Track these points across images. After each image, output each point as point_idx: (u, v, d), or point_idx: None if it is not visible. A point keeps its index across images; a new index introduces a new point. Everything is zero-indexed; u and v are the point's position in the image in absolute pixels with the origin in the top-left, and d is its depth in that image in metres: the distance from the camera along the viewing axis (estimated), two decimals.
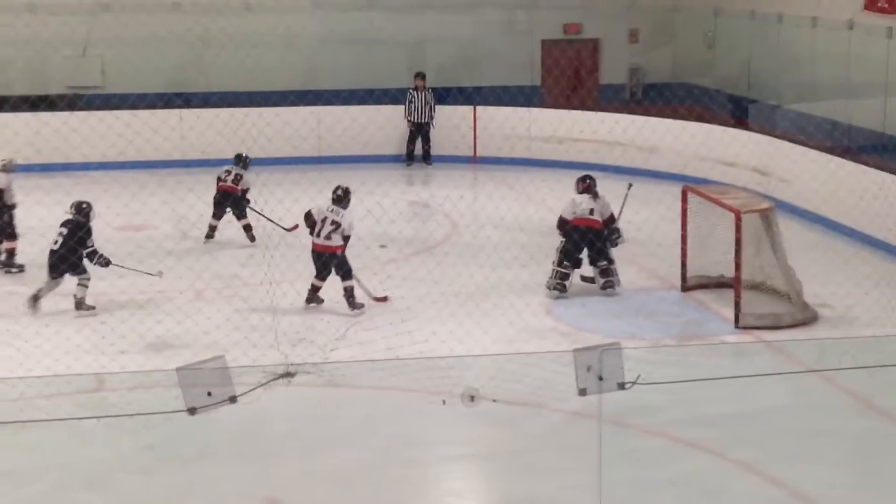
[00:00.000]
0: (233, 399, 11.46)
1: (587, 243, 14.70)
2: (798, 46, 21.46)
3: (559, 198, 18.08)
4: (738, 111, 23.02)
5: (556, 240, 14.96)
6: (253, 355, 12.34)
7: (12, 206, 15.91)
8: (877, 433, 11.14)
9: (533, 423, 11.27)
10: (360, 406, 11.56)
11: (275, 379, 11.43)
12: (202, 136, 21.95)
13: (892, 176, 17.15)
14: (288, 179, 17.94)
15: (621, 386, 8.42)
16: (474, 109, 23.41)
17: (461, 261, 16.07)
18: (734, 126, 21.65)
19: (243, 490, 9.90)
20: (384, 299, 14.35)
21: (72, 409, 11.09)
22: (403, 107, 22.98)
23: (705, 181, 19.52)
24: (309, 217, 14.18)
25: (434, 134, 23.09)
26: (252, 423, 10.78)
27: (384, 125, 22.62)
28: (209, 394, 11.29)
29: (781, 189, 19.27)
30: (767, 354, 12.82)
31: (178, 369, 8.55)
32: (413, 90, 23.00)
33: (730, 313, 13.97)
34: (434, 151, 23.13)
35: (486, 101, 23.52)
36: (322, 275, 14.09)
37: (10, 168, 16.10)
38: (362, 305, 14.02)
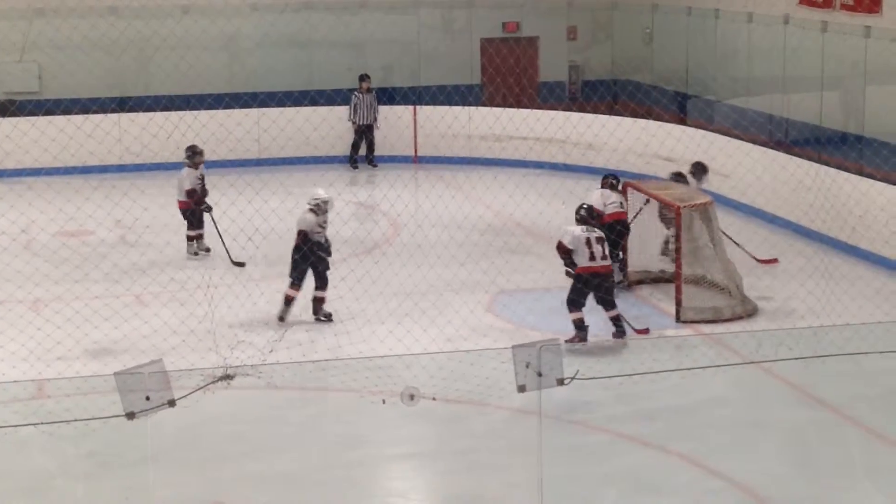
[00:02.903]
0: (171, 403, 11.34)
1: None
2: (735, 42, 21.59)
3: (496, 196, 18.12)
4: (676, 107, 23.13)
5: (496, 237, 14.94)
6: (192, 359, 12.21)
7: None
8: (814, 423, 11.22)
9: (476, 421, 11.26)
10: (302, 407, 11.51)
11: (214, 382, 11.27)
12: (137, 140, 21.76)
13: (827, 168, 17.31)
14: (224, 182, 17.78)
15: (560, 382, 8.39)
16: (414, 109, 23.37)
17: (402, 260, 16.01)
18: (673, 121, 21.76)
19: (187, 494, 9.83)
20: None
21: (8, 416, 10.92)
22: (347, 109, 22.86)
23: (646, 177, 19.57)
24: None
25: (378, 135, 23.01)
26: (193, 426, 10.68)
27: (326, 126, 22.48)
28: (147, 398, 11.20)
29: (721, 183, 19.36)
30: (707, 347, 12.86)
31: (116, 374, 8.44)
32: (357, 92, 22.89)
33: (671, 308, 14.02)
34: (377, 152, 23.06)
35: (427, 101, 23.49)
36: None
37: None
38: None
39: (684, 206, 14.30)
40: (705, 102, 22.30)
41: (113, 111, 22.14)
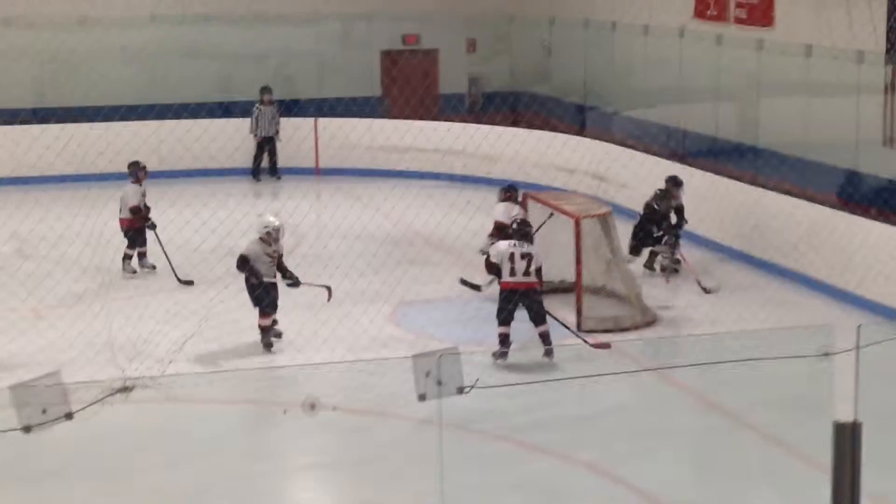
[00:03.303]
0: (69, 416, 11.19)
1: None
2: (631, 54, 21.86)
3: (396, 207, 18.09)
4: (575, 118, 23.35)
5: (396, 248, 14.95)
6: (89, 371, 12.02)
7: None
8: (713, 429, 11.37)
9: (379, 431, 11.25)
10: (203, 419, 11.39)
11: (112, 394, 11.10)
12: (31, 152, 21.39)
13: (723, 179, 17.58)
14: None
15: (460, 390, 8.40)
16: (315, 121, 23.30)
17: (302, 271, 15.90)
18: (572, 133, 21.95)
19: None
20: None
21: None
22: (250, 121, 22.70)
23: (546, 188, 19.72)
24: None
25: (280, 147, 22.89)
26: (93, 440, 10.50)
27: (224, 137, 22.31)
28: (44, 411, 11.01)
29: (619, 194, 19.58)
30: (608, 356, 12.96)
31: (11, 387, 8.25)
32: (259, 105, 22.75)
33: (572, 317, 14.12)
34: (280, 164, 22.93)
35: (329, 113, 23.44)
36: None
37: None
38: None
39: (584, 217, 14.43)
40: (603, 114, 22.54)
41: (6, 122, 21.76)
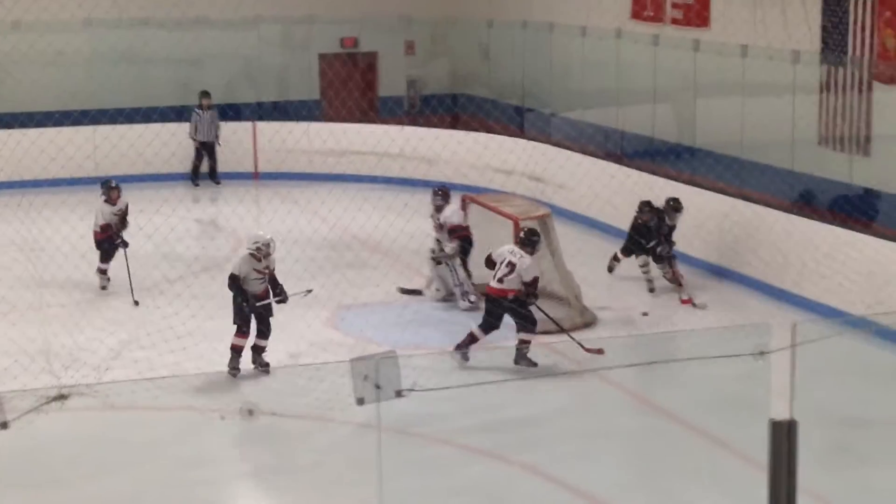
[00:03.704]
0: (4, 425, 11.04)
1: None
2: (569, 55, 21.92)
3: (332, 211, 17.99)
4: (513, 120, 23.38)
5: (333, 252, 14.85)
6: (24, 379, 11.88)
7: None
8: (653, 429, 11.40)
9: (319, 436, 11.19)
10: (140, 426, 11.28)
11: (47, 402, 11.00)
12: None
13: (661, 179, 17.66)
14: (56, 200, 17.35)
15: (399, 394, 8.36)
16: (254, 125, 23.17)
17: None
18: (510, 135, 21.97)
19: None
20: None
21: None
22: (189, 126, 22.52)
23: (484, 190, 19.72)
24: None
25: (219, 152, 22.71)
26: (28, 449, 10.40)
27: (159, 143, 22.09)
28: None
29: (558, 195, 19.62)
30: (545, 357, 12.95)
31: None
32: (198, 109, 22.57)
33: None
34: (219, 168, 22.75)
35: (266, 117, 23.30)
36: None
37: None
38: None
39: (522, 219, 14.43)
40: (541, 115, 22.58)
41: None
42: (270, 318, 12.73)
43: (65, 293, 14.95)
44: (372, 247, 17.63)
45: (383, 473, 8.68)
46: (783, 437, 5.39)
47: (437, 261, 15.05)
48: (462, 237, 15.07)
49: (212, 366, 12.38)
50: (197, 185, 22.51)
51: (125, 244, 15.59)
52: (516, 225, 14.25)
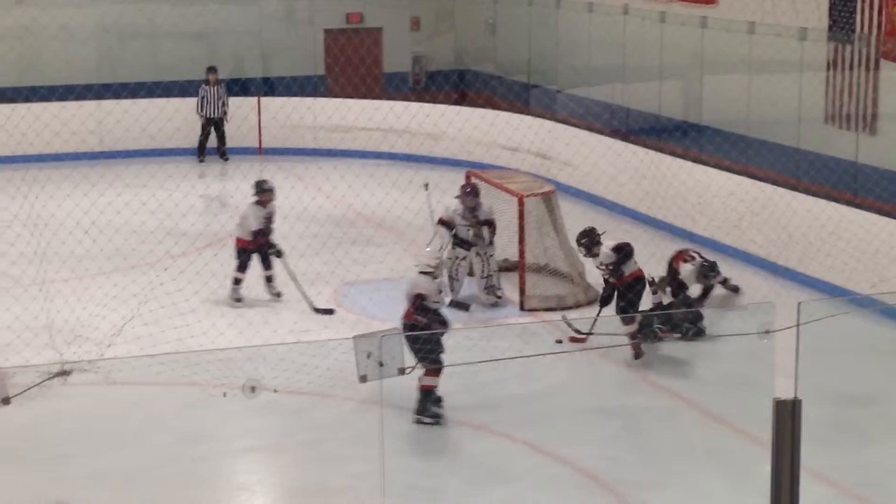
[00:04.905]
0: (5, 401, 11.03)
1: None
2: (575, 32, 21.82)
3: (337, 187, 17.95)
4: (519, 96, 23.29)
5: (337, 228, 14.83)
6: (27, 355, 11.88)
7: None
8: (652, 407, 11.39)
9: (321, 412, 11.20)
10: (142, 403, 11.28)
11: (49, 378, 10.98)
12: None
13: (667, 157, 17.61)
14: (59, 174, 17.36)
15: (402, 371, 8.34)
16: (258, 101, 23.11)
17: None
18: (516, 111, 21.90)
19: (28, 494, 9.56)
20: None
21: None
22: (196, 101, 22.41)
23: (489, 167, 19.67)
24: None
25: (228, 127, 22.61)
26: (31, 425, 10.41)
27: (163, 118, 22.05)
28: None
29: (563, 172, 19.57)
30: (548, 335, 12.94)
31: None
32: (205, 85, 22.45)
33: (515, 296, 14.08)
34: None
35: (270, 92, 23.23)
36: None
37: None
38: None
39: (527, 196, 14.39)
40: (547, 92, 22.50)
41: None
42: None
43: (67, 268, 14.91)
44: (376, 223, 17.59)
45: (385, 450, 8.68)
46: (787, 415, 5.36)
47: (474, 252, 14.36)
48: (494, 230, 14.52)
49: (214, 342, 12.37)
50: (202, 160, 22.44)
51: (279, 253, 14.14)
52: (521, 202, 14.21)
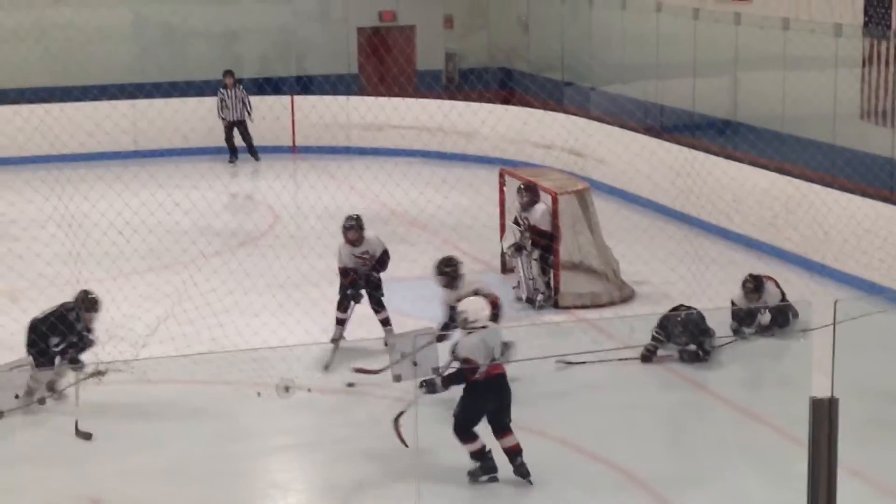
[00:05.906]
0: (41, 401, 11.11)
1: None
2: (609, 29, 21.76)
3: (370, 186, 17.96)
4: (552, 94, 23.24)
5: (370, 226, 14.74)
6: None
7: None
8: (691, 405, 11.34)
9: (356, 410, 11.20)
10: (177, 402, 11.30)
11: (85, 378, 11.04)
12: (1, 134, 21.25)
13: (701, 154, 17.52)
14: (93, 175, 17.40)
15: (436, 371, 8.34)
16: (291, 99, 23.15)
17: (276, 252, 15.84)
18: (550, 109, 21.84)
19: (64, 492, 9.61)
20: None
21: None
22: (215, 105, 22.36)
23: (522, 164, 19.64)
24: None
25: (253, 127, 22.53)
26: (67, 424, 10.43)
27: (205, 118, 22.10)
28: (17, 396, 10.94)
29: (597, 170, 19.52)
30: (583, 332, 12.91)
31: None
32: (223, 88, 22.38)
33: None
34: (256, 143, 22.55)
35: (303, 91, 23.27)
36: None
37: None
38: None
39: (561, 193, 14.35)
40: (580, 89, 22.44)
41: None
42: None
43: (102, 269, 14.98)
44: (409, 221, 17.59)
45: (420, 448, 8.68)
46: (824, 414, 5.32)
47: (515, 248, 14.15)
48: (544, 247, 14.07)
49: (248, 342, 12.38)
50: (232, 161, 22.34)
51: (357, 298, 12.69)
52: (554, 199, 14.18)
